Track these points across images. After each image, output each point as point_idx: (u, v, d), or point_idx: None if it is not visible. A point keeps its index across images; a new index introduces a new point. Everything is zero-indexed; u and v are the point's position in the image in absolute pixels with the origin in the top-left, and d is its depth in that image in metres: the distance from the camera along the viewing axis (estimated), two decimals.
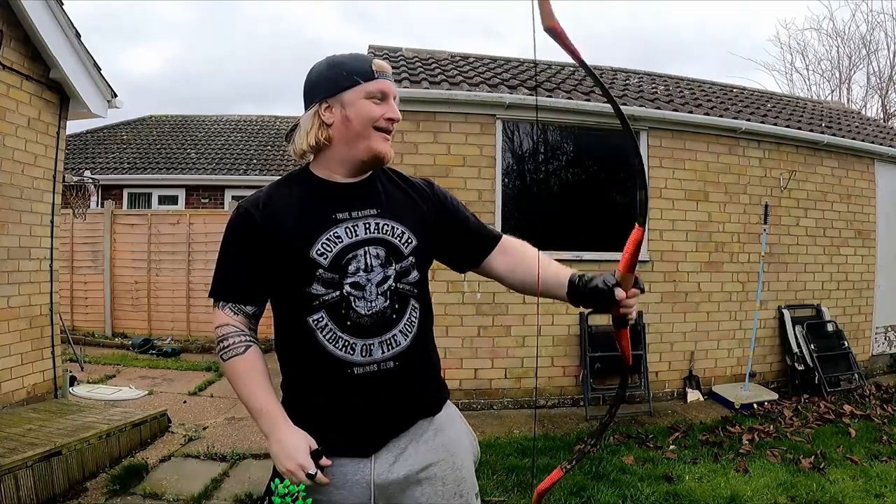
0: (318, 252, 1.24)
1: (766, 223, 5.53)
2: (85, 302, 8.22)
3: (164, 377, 6.25)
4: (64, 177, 6.06)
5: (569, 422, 5.02)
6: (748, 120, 5.90)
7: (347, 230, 1.27)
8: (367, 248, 1.27)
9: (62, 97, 4.69)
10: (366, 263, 1.27)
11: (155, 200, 10.61)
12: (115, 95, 5.09)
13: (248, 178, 10.72)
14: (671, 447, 4.28)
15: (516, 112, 5.32)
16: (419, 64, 6.26)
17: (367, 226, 1.29)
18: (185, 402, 5.36)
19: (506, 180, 5.40)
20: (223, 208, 9.54)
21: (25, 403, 4.27)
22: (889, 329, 6.92)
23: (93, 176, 8.88)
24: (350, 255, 1.26)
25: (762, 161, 6.03)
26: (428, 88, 5.18)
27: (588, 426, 4.88)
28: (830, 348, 5.85)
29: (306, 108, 1.32)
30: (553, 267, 1.39)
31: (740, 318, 5.79)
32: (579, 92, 5.66)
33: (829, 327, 6.07)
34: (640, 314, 5.44)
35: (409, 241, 1.32)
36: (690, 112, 5.69)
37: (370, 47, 6.89)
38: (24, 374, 4.30)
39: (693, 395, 5.49)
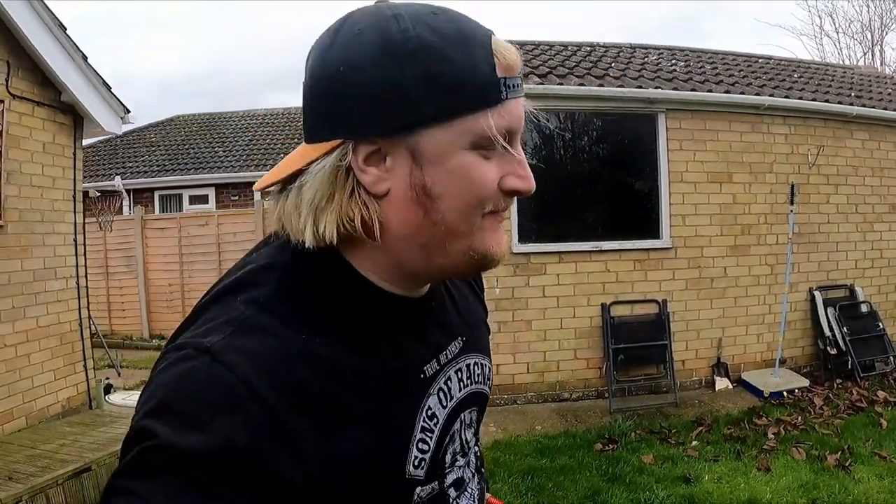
0: (416, 461, 0.67)
1: (792, 203, 5.30)
2: (122, 306, 8.56)
3: None
4: (87, 193, 6.26)
5: (592, 416, 4.98)
6: (772, 95, 5.62)
7: (442, 395, 0.73)
8: (462, 417, 0.77)
9: (76, 118, 4.80)
10: (461, 443, 0.77)
11: (186, 201, 10.87)
12: (128, 111, 5.17)
13: None
14: (693, 443, 4.21)
15: (529, 101, 5.18)
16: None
17: (460, 375, 0.76)
18: None
19: None
20: (253, 206, 9.68)
21: (61, 417, 4.47)
22: None
23: (123, 181, 9.18)
24: (447, 440, 0.74)
25: (788, 137, 5.74)
26: None
27: (612, 419, 4.82)
28: (864, 330, 5.59)
29: (315, 136, 0.62)
30: None
31: (769, 301, 5.59)
32: (592, 76, 5.48)
33: (863, 308, 5.79)
34: (664, 303, 5.31)
35: (491, 377, 0.85)
36: (710, 91, 5.45)
37: None
38: (58, 389, 4.50)
39: (721, 384, 5.36)
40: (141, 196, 10.43)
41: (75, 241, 4.78)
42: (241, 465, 0.51)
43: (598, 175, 5.58)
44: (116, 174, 10.09)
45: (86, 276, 4.94)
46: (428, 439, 0.68)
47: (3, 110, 4.11)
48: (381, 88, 0.56)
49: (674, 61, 6.40)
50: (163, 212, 10.50)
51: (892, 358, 5.53)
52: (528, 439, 4.52)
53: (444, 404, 0.71)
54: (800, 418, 4.47)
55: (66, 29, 4.43)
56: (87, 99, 4.74)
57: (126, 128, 5.30)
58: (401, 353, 0.66)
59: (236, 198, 10.92)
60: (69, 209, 4.74)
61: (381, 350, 0.64)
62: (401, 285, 0.66)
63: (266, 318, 0.58)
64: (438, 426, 0.69)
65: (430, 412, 0.68)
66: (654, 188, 5.41)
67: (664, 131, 5.38)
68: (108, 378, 6.17)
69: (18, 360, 4.17)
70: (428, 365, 0.69)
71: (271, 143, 12.09)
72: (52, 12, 4.28)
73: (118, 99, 5.04)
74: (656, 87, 5.30)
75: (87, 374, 4.79)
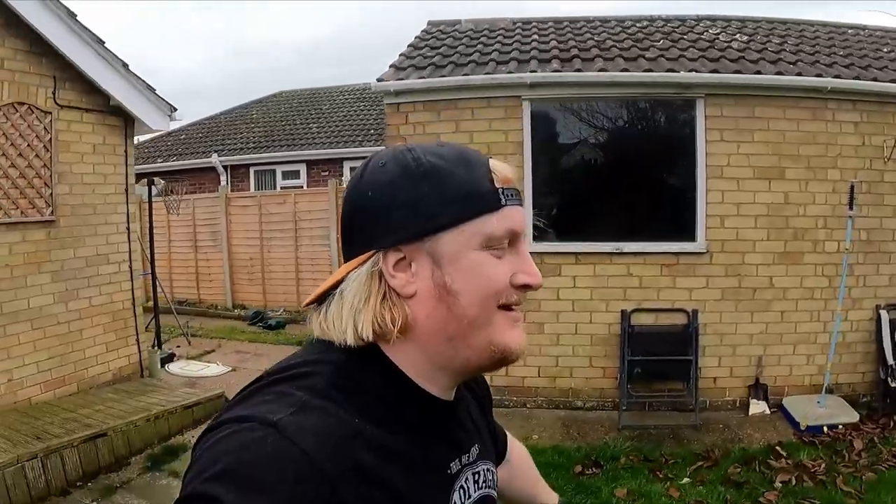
0: None
1: (851, 207, 4.52)
2: (209, 277, 9.48)
3: (255, 352, 7.06)
4: (152, 180, 6.95)
5: (598, 430, 4.75)
6: (838, 76, 4.75)
7: (462, 493, 0.80)
8: None
9: (126, 118, 5.35)
10: None
11: (279, 177, 11.59)
12: (175, 109, 5.66)
13: (363, 150, 11.19)
14: (684, 480, 3.86)
15: (545, 91, 4.90)
16: (466, 38, 5.98)
17: (476, 478, 0.83)
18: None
19: (536, 167, 5.04)
20: (330, 184, 10.11)
21: (112, 384, 5.16)
22: None
23: (220, 157, 10.04)
24: None
25: (858, 126, 4.86)
26: (446, 76, 4.97)
27: (617, 436, 4.58)
28: None
29: (353, 251, 0.73)
30: (543, 491, 1.15)
31: (825, 318, 4.86)
32: (624, 58, 5.00)
33: None
34: (694, 313, 4.86)
35: (497, 483, 0.91)
36: (758, 72, 4.73)
37: (429, 23, 6.72)
38: (110, 360, 5.19)
39: (757, 407, 4.82)
40: (237, 172, 11.32)
41: (128, 229, 5.40)
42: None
43: (625, 169, 5.12)
44: (214, 151, 11.04)
45: (151, 257, 5.57)
46: None
47: (51, 120, 4.70)
48: (402, 204, 0.68)
49: (736, 35, 5.61)
50: (257, 188, 11.35)
51: None
52: None
53: (463, 501, 0.78)
54: (824, 464, 3.90)
55: (104, 42, 4.91)
56: (132, 102, 5.25)
57: (174, 125, 5.79)
58: (435, 448, 0.74)
59: (326, 173, 11.47)
60: (121, 201, 5.35)
61: (422, 443, 0.71)
62: (434, 384, 0.74)
63: (324, 403, 0.64)
64: None
65: None
66: (689, 185, 4.88)
67: (702, 119, 4.80)
68: (178, 346, 6.97)
69: (71, 335, 4.87)
70: (453, 463, 0.77)
71: (364, 119, 12.44)
72: (90, 31, 4.77)
73: (163, 99, 5.52)
74: (691, 71, 4.72)
75: (138, 346, 5.46)
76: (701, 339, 4.86)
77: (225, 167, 10.86)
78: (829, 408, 4.63)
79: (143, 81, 5.30)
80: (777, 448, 4.19)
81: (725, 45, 5.33)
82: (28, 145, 4.55)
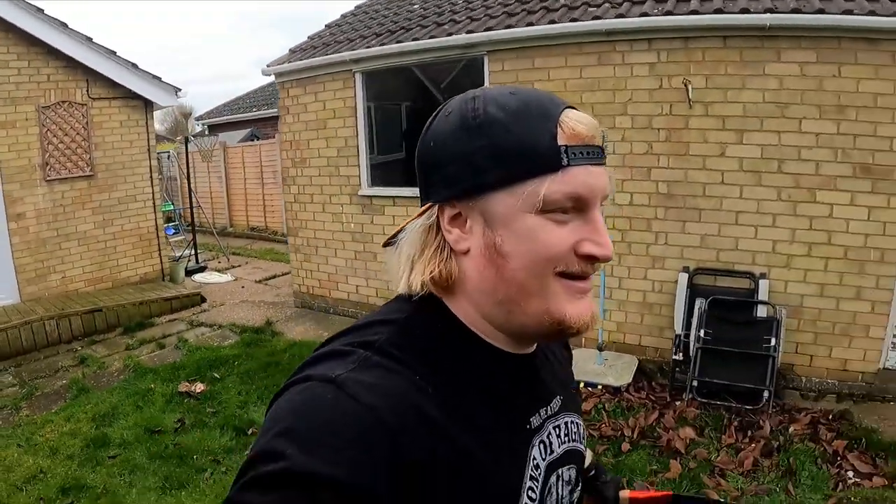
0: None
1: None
2: (272, 208, 11.84)
3: (266, 268, 9.28)
4: (187, 138, 9.38)
5: None
6: (622, 15, 4.59)
7: (543, 447, 0.75)
8: (560, 472, 0.79)
9: (145, 100, 7.72)
10: (558, 499, 0.79)
11: None
12: (179, 90, 7.88)
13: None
14: None
15: (368, 63, 5.83)
16: (335, 25, 6.96)
17: (558, 431, 0.79)
18: (243, 287, 8.24)
19: (367, 126, 6.04)
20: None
21: (138, 284, 7.79)
22: None
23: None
24: (546, 493, 0.76)
25: (654, 67, 4.66)
26: (300, 60, 6.22)
27: None
28: (743, 341, 4.39)
29: (422, 192, 0.72)
30: None
31: (620, 274, 4.99)
32: (421, 26, 5.60)
33: (761, 311, 4.51)
34: None
35: (585, 436, 0.88)
36: (530, 24, 4.96)
37: (341, 15, 7.71)
38: (137, 268, 7.81)
39: None
40: None
41: (151, 178, 7.87)
42: (362, 494, 0.55)
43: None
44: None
45: (190, 194, 7.99)
46: (535, 488, 0.72)
47: (86, 109, 7.24)
48: (456, 158, 0.66)
49: None
50: None
51: (766, 392, 4.22)
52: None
53: (544, 457, 0.75)
54: None
55: (115, 52, 7.24)
56: (145, 90, 7.57)
57: (180, 101, 8.02)
58: (508, 404, 0.72)
59: None
60: (144, 158, 7.81)
61: (491, 400, 0.69)
62: (501, 341, 0.72)
63: (385, 360, 0.64)
64: (541, 475, 0.74)
65: (534, 462, 0.73)
66: None
67: (488, 75, 5.25)
68: (218, 261, 9.54)
69: (107, 250, 7.54)
70: (532, 417, 0.74)
71: None
72: (105, 47, 7.09)
73: (169, 84, 7.75)
74: (469, 32, 5.18)
75: (160, 258, 8.02)
76: None
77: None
78: (610, 367, 4.82)
79: (151, 74, 7.57)
80: None
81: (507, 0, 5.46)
82: (71, 128, 7.15)
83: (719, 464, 3.73)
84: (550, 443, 0.77)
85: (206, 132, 15.00)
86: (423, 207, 0.70)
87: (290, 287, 7.35)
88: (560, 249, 0.65)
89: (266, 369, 5.31)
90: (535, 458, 0.73)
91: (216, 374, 5.28)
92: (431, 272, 0.69)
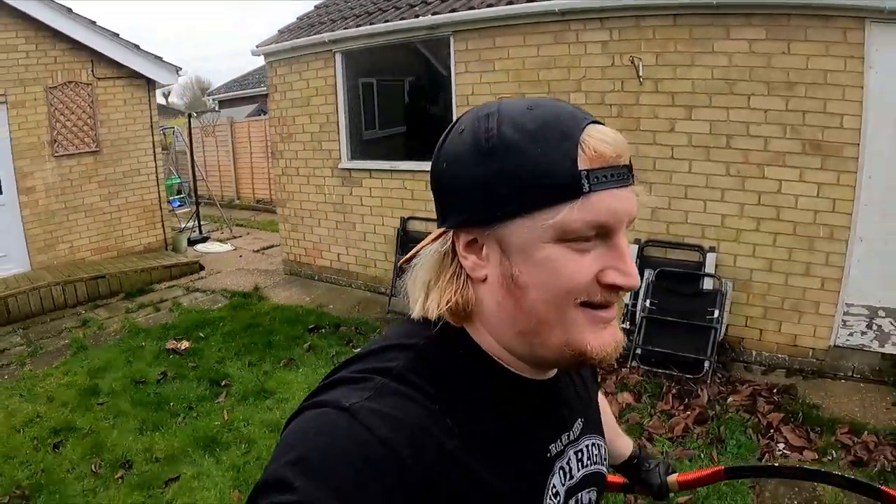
0: None
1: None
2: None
3: (266, 239, 9.71)
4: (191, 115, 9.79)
5: (376, 309, 6.17)
6: None
7: (563, 474, 0.75)
8: (579, 497, 0.78)
9: (147, 79, 8.13)
10: None
11: None
12: (180, 69, 8.26)
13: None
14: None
15: (346, 44, 6.11)
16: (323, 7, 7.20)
17: (580, 455, 0.78)
18: (241, 256, 8.70)
19: (346, 103, 6.34)
20: None
21: (141, 253, 8.29)
22: (879, 312, 4.41)
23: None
24: None
25: (607, 45, 4.84)
26: (286, 41, 6.53)
27: (383, 316, 5.93)
28: (691, 313, 4.57)
29: (438, 214, 0.69)
30: (620, 437, 1.16)
31: None
32: (396, 7, 5.85)
33: (707, 284, 4.70)
34: None
35: (607, 457, 0.88)
36: (490, 5, 5.17)
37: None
38: (140, 237, 8.30)
39: None
40: None
41: (153, 152, 8.32)
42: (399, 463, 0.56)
43: (404, 102, 6.08)
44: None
45: (192, 167, 8.43)
46: None
47: (91, 89, 7.68)
48: (469, 183, 0.62)
49: None
50: None
51: (707, 363, 4.39)
52: (303, 306, 6.26)
53: (564, 483, 0.74)
54: None
55: (118, 35, 7.63)
56: (147, 69, 7.97)
57: (183, 79, 8.40)
58: (529, 433, 0.70)
59: None
60: (147, 134, 8.25)
61: (511, 429, 0.68)
62: (522, 369, 0.70)
63: (402, 388, 0.62)
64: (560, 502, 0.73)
65: (554, 490, 0.72)
66: (448, 113, 5.69)
67: (453, 54, 5.49)
68: (221, 232, 10.00)
69: (112, 221, 8.03)
70: (553, 444, 0.73)
71: None
72: (108, 30, 7.48)
73: (169, 63, 8.14)
74: (435, 13, 5.43)
75: (163, 229, 8.49)
76: None
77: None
78: None
79: (153, 55, 7.96)
80: None
81: None
82: (77, 106, 7.60)
83: (650, 428, 3.91)
84: (570, 468, 0.75)
85: (217, 108, 15.43)
86: (438, 231, 0.68)
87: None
88: (582, 281, 0.61)
89: (247, 330, 5.74)
90: (554, 486, 0.72)
91: (201, 334, 5.72)
92: (448, 301, 0.66)
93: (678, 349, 4.57)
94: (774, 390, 4.32)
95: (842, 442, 3.68)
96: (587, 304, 0.63)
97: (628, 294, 4.96)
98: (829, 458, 3.56)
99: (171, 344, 5.44)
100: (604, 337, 0.64)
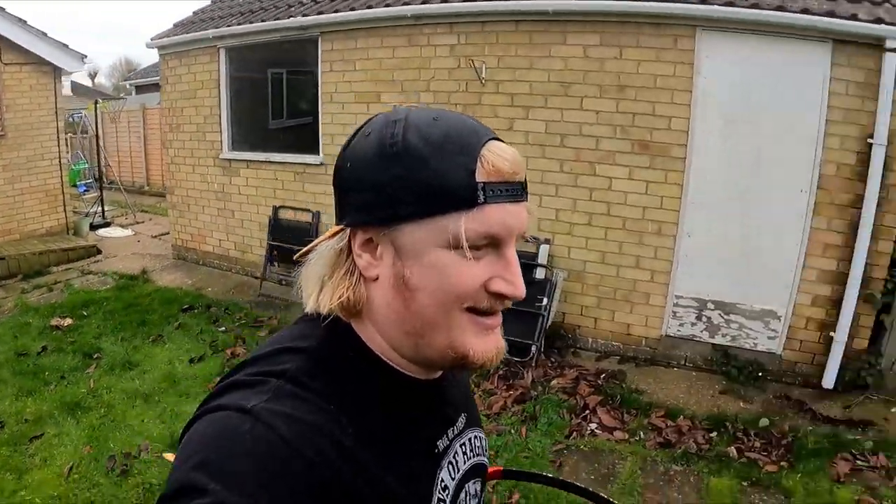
0: None
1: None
2: None
3: (166, 225, 9.57)
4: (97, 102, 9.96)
5: (248, 292, 6.51)
6: (426, 2, 5.16)
7: (451, 468, 0.79)
8: (467, 488, 0.83)
9: (54, 66, 8.31)
10: None
11: None
12: (85, 56, 8.45)
13: None
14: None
15: (229, 41, 6.44)
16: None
17: (464, 448, 0.83)
18: (139, 241, 8.93)
19: (228, 97, 6.67)
20: None
21: (43, 236, 8.45)
22: (708, 304, 4.80)
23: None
24: None
25: (455, 48, 5.26)
26: (177, 36, 6.83)
27: (253, 298, 6.28)
28: (524, 300, 4.95)
29: (337, 211, 0.72)
30: None
31: None
32: (276, 6, 6.22)
33: (539, 273, 5.10)
34: (317, 214, 6.07)
35: (487, 448, 0.91)
36: (353, 9, 5.56)
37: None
38: (43, 221, 8.46)
39: None
40: None
41: (57, 138, 8.49)
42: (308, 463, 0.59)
43: (280, 96, 6.45)
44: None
45: (98, 154, 8.57)
46: None
47: None
48: (370, 185, 0.64)
49: None
50: None
51: (533, 347, 4.71)
52: (182, 289, 6.58)
53: (453, 476, 0.78)
54: None
55: (26, 21, 7.82)
56: (53, 56, 8.12)
57: (88, 67, 8.62)
58: (417, 431, 0.74)
59: None
60: (52, 120, 8.39)
61: (400, 427, 0.71)
62: (408, 368, 0.73)
63: (298, 389, 0.64)
64: (449, 497, 0.77)
65: (443, 484, 0.76)
66: (315, 109, 6.04)
67: (320, 54, 5.87)
68: (125, 217, 10.16)
69: (16, 205, 8.17)
70: (440, 440, 0.77)
71: None
72: (15, 16, 7.63)
73: (75, 51, 8.32)
74: (304, 15, 5.79)
75: (65, 213, 8.66)
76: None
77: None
78: None
79: (59, 42, 8.14)
80: None
81: None
82: None
83: None
84: (457, 461, 0.79)
85: (133, 93, 15.41)
86: (336, 228, 0.69)
87: None
88: (471, 287, 0.65)
89: (126, 309, 6.03)
90: (443, 480, 0.76)
91: (85, 312, 5.98)
92: (340, 297, 0.68)
93: (508, 333, 4.73)
94: (602, 375, 4.58)
95: (654, 424, 3.89)
96: (473, 310, 0.66)
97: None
98: (637, 438, 3.77)
99: (55, 321, 5.69)
100: (487, 343, 0.68)
